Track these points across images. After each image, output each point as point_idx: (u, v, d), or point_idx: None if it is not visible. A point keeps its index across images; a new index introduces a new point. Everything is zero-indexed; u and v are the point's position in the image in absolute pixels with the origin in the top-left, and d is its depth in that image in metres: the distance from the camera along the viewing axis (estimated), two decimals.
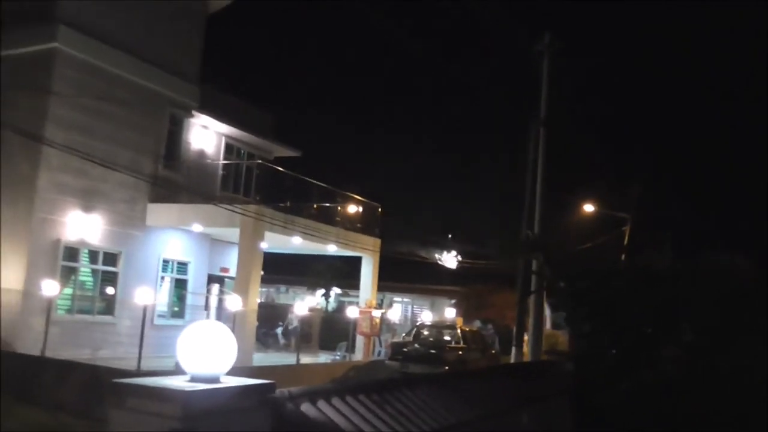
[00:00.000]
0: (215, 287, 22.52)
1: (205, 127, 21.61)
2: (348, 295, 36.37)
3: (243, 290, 18.39)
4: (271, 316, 24.89)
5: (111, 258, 18.71)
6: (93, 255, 18.32)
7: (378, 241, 24.47)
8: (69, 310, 17.65)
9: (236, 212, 18.58)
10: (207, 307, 21.61)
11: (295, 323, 23.88)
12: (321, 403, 3.94)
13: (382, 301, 30.93)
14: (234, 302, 17.47)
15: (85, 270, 18.27)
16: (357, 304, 23.96)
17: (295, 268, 34.50)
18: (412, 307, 41.87)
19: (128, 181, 18.56)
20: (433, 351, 20.95)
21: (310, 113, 61.02)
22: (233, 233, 19.27)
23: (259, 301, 20.75)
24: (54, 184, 17.07)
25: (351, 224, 23.72)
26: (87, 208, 17.83)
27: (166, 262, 20.45)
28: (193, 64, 21.07)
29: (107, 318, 18.44)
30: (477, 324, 31.10)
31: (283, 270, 32.64)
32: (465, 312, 33.16)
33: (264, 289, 32.90)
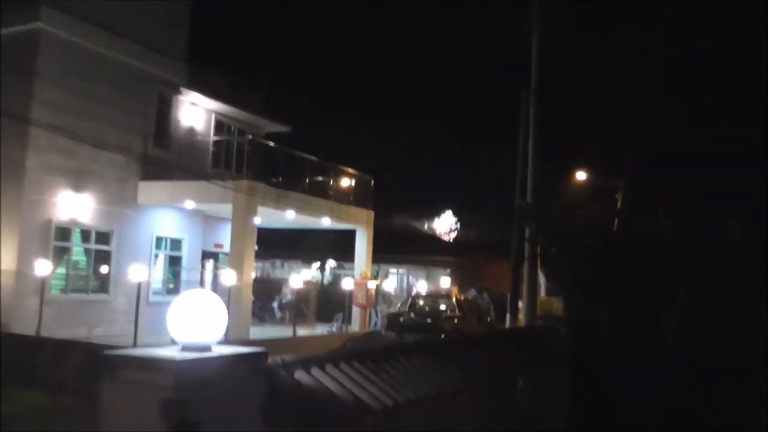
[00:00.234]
0: (210, 263, 22.54)
1: (194, 104, 21.46)
2: (343, 268, 36.47)
3: (238, 265, 18.40)
4: (266, 290, 24.94)
5: (103, 237, 18.67)
6: (85, 234, 18.28)
7: (371, 214, 24.48)
8: (63, 290, 17.65)
9: (228, 188, 18.53)
10: (202, 283, 21.64)
11: (290, 297, 23.95)
12: (315, 371, 3.94)
13: (377, 272, 31.01)
14: (229, 277, 17.49)
15: (77, 249, 18.24)
16: (352, 276, 24.02)
17: (290, 243, 34.51)
18: (408, 278, 42.02)
19: (118, 161, 18.48)
20: (429, 320, 21.07)
21: (300, 87, 60.67)
22: (226, 209, 19.24)
23: (254, 276, 20.79)
24: (43, 164, 16.96)
25: (344, 197, 23.71)
26: (77, 187, 17.74)
27: (159, 239, 20.44)
28: (180, 41, 20.85)
29: (102, 296, 18.46)
30: (472, 293, 31.26)
31: (278, 245, 32.65)
32: (460, 281, 33.34)
33: (259, 264, 32.92)
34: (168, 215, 20.52)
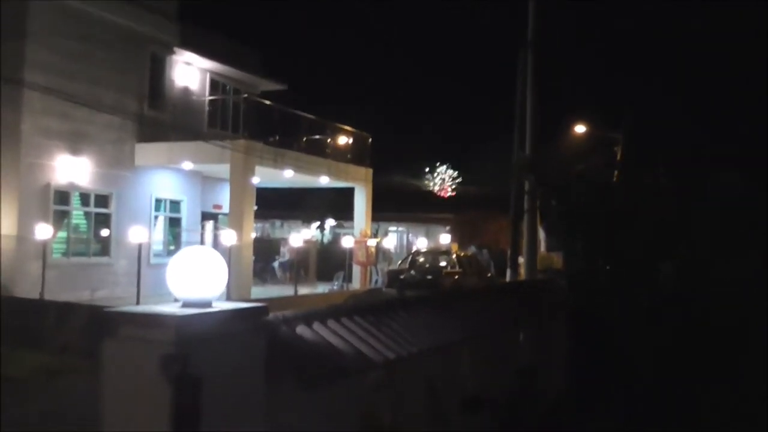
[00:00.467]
0: (209, 224, 22.56)
1: (188, 63, 21.23)
2: (343, 227, 36.51)
3: (237, 225, 18.41)
4: (267, 250, 25.02)
5: (103, 199, 18.64)
6: (84, 197, 18.25)
7: (370, 171, 24.42)
8: (65, 253, 17.68)
9: (226, 147, 18.44)
10: (202, 243, 21.66)
11: (287, 256, 24.02)
12: (317, 325, 3.96)
13: (377, 230, 31.05)
14: (229, 238, 17.51)
15: (77, 213, 18.22)
16: (352, 234, 24.05)
17: (289, 202, 34.48)
18: (407, 236, 42.09)
19: (114, 122, 18.35)
20: (429, 277, 21.15)
21: (295, 44, 59.92)
22: (224, 169, 19.18)
23: (254, 236, 20.82)
24: (39, 128, 16.83)
25: (342, 155, 23.62)
26: (74, 150, 17.64)
27: (158, 201, 20.41)
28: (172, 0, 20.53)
29: (103, 259, 18.51)
30: (472, 249, 31.33)
31: (278, 204, 32.64)
32: (460, 238, 33.39)
33: (259, 225, 32.94)
34: (166, 177, 20.46)
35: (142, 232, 16.43)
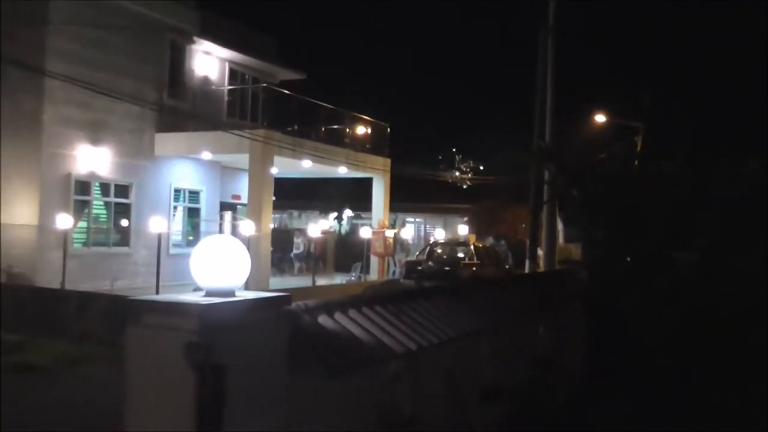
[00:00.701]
0: (228, 214, 22.66)
1: (207, 53, 21.28)
2: (360, 217, 36.53)
3: (256, 216, 18.47)
4: (284, 241, 25.11)
5: (122, 190, 18.77)
6: (104, 187, 18.39)
7: (388, 161, 24.39)
8: (85, 243, 17.84)
9: (245, 137, 18.49)
10: (221, 233, 21.77)
11: (302, 247, 24.07)
12: (338, 315, 3.95)
13: (394, 221, 31.02)
14: (247, 228, 17.57)
15: (97, 203, 18.36)
16: (370, 225, 24.06)
17: (307, 193, 34.56)
18: (425, 227, 42.06)
19: (134, 112, 18.44)
20: (447, 268, 21.13)
21: (314, 34, 59.93)
22: (243, 159, 19.23)
23: (272, 226, 20.89)
24: (60, 117, 16.96)
25: (360, 145, 23.61)
26: (95, 140, 17.77)
27: (177, 191, 20.52)
28: None
29: (123, 249, 18.65)
30: (490, 240, 31.24)
31: (295, 195, 32.72)
32: (478, 229, 33.27)
33: (277, 215, 33.05)
34: (185, 167, 20.56)
35: (161, 222, 16.53)
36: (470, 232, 31.42)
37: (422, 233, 41.59)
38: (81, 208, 17.73)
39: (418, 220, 42.44)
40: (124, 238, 18.84)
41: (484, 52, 63.76)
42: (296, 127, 21.03)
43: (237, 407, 2.86)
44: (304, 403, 3.38)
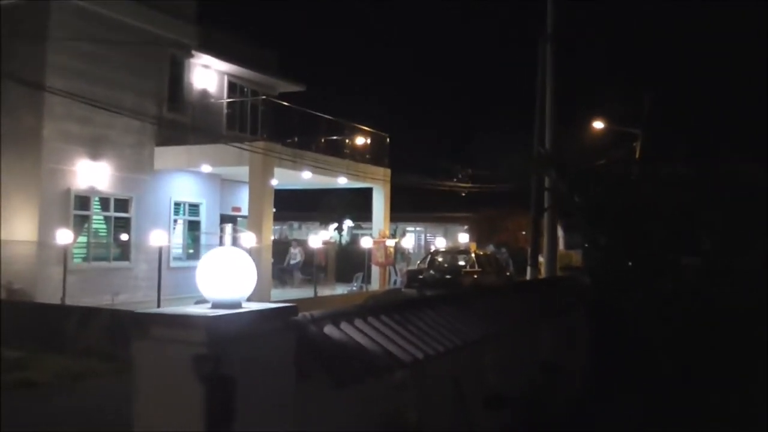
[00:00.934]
0: (228, 227, 22.65)
1: (206, 66, 21.35)
2: (361, 228, 36.53)
3: (256, 228, 18.47)
4: (284, 252, 25.09)
5: (122, 204, 18.77)
6: (104, 202, 18.39)
7: (388, 171, 24.41)
8: (85, 258, 17.82)
9: (245, 149, 18.51)
10: (221, 246, 21.73)
11: (299, 258, 24.02)
12: (344, 325, 3.95)
13: (395, 231, 31.02)
14: (248, 240, 17.56)
15: (97, 217, 18.36)
16: (370, 235, 24.06)
17: (307, 204, 34.58)
18: (425, 236, 42.06)
19: (134, 126, 18.47)
20: (448, 276, 21.12)
21: (314, 45, 60.09)
22: (243, 172, 19.25)
23: (273, 238, 20.88)
24: (59, 133, 16.98)
25: (360, 155, 23.64)
26: (94, 155, 17.79)
27: (177, 204, 20.53)
28: (190, 2, 20.63)
29: (123, 263, 18.63)
30: (491, 248, 31.22)
31: (295, 206, 32.73)
32: (478, 237, 33.28)
33: (277, 227, 33.05)
34: (185, 180, 20.58)
35: (161, 236, 16.52)
36: (471, 240, 31.41)
37: (423, 242, 41.58)
38: (81, 223, 17.73)
39: (418, 229, 42.45)
40: (124, 252, 18.83)
41: (484, 57, 63.95)
42: (296, 138, 21.07)
43: (245, 418, 2.85)
44: (312, 412, 3.37)
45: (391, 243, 23.85)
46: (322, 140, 22.17)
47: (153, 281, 16.21)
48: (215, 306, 3.04)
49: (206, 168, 20.01)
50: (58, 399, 9.09)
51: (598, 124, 26.27)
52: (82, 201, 17.76)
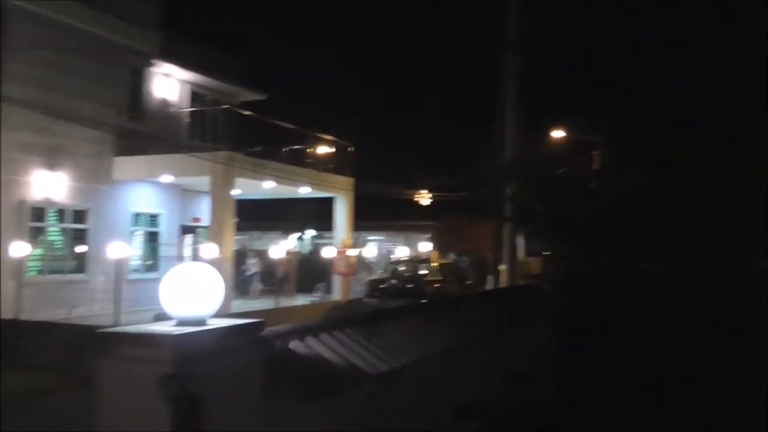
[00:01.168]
0: (189, 238, 22.36)
1: (167, 75, 21.09)
2: (323, 237, 36.38)
3: (218, 238, 18.26)
4: (245, 263, 24.83)
5: (80, 215, 18.41)
6: (61, 213, 18.01)
7: (351, 180, 24.37)
8: (40, 271, 17.41)
9: (206, 159, 18.31)
10: (181, 258, 21.47)
11: (254, 269, 23.81)
12: (310, 340, 3.92)
13: (356, 240, 30.96)
14: (209, 251, 17.35)
15: (53, 229, 17.97)
16: (332, 244, 23.98)
17: (270, 214, 34.29)
18: (387, 245, 42.06)
19: (92, 136, 18.13)
20: (410, 285, 21.13)
21: (275, 55, 59.85)
22: (204, 182, 19.03)
23: (235, 248, 20.68)
24: (15, 143, 16.57)
25: (323, 165, 23.57)
26: (51, 165, 17.42)
27: (137, 215, 20.21)
28: (150, 10, 20.38)
29: (80, 276, 18.26)
30: (452, 257, 31.36)
31: (257, 216, 32.44)
32: (440, 245, 33.40)
33: (238, 237, 32.74)
34: (145, 190, 20.28)
35: (120, 248, 16.21)
36: (433, 249, 31.51)
37: (384, 251, 41.57)
38: (36, 235, 17.32)
39: (380, 238, 42.44)
40: (81, 264, 18.45)
41: (447, 66, 64.35)
42: (258, 148, 20.92)
43: None
44: (282, 428, 3.33)
45: (353, 253, 23.79)
46: (285, 150, 22.05)
47: (111, 294, 15.91)
48: (180, 323, 2.98)
49: (166, 178, 19.75)
50: (13, 416, 8.85)
51: (559, 133, 26.60)
52: (38, 212, 17.36)
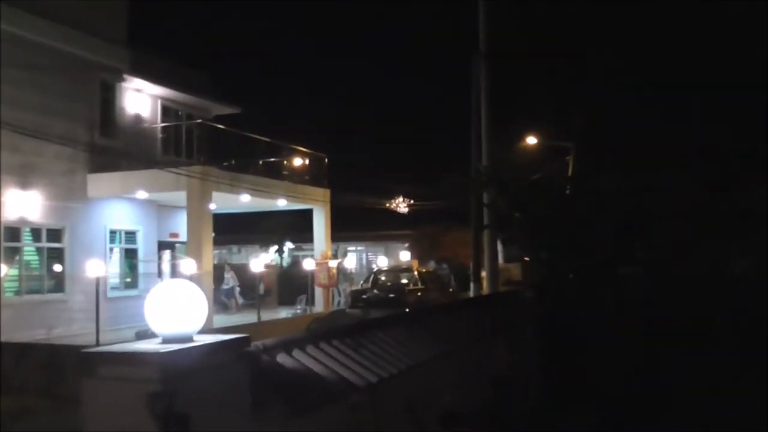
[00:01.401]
0: (167, 253, 22.18)
1: (139, 90, 20.94)
2: (302, 249, 36.30)
3: (196, 253, 18.15)
4: (223, 277, 24.65)
5: (55, 234, 18.19)
6: (36, 233, 17.79)
7: (327, 192, 24.35)
8: (17, 292, 17.17)
9: (181, 174, 18.19)
10: (160, 274, 21.28)
11: (231, 283, 23.66)
12: (296, 353, 3.90)
13: (336, 251, 30.93)
14: (188, 266, 17.22)
15: (29, 249, 17.74)
16: (312, 256, 23.91)
17: (247, 228, 34.18)
18: (367, 255, 42.08)
19: (65, 153, 17.94)
20: (392, 295, 21.14)
21: (249, 68, 59.72)
22: (180, 197, 18.91)
23: (213, 263, 20.55)
24: None
25: (299, 177, 23.54)
26: (24, 184, 17.20)
27: (113, 232, 20.01)
28: (120, 26, 20.25)
29: (58, 295, 18.02)
30: (432, 265, 31.43)
31: (235, 230, 32.32)
32: (419, 254, 33.47)
33: (216, 251, 32.57)
34: (120, 207, 20.09)
35: (97, 266, 16.02)
36: (412, 257, 31.56)
37: (365, 261, 41.56)
38: (12, 255, 17.09)
39: (359, 248, 42.42)
40: (58, 283, 18.21)
41: (423, 74, 64.62)
42: (234, 161, 20.84)
43: None
44: None
45: (333, 264, 23.75)
46: (261, 162, 21.99)
47: (90, 313, 15.71)
48: (166, 341, 2.96)
49: (142, 194, 19.59)
50: None
51: (533, 140, 26.84)
52: (12, 232, 17.12)
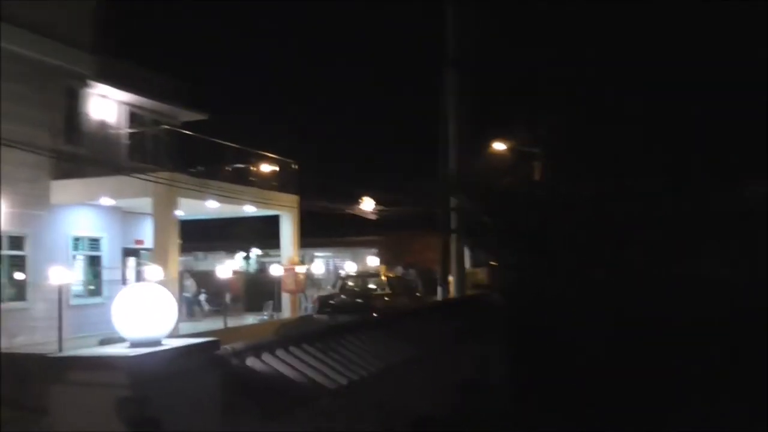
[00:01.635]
0: (131, 260, 21.90)
1: (104, 96, 20.67)
2: (269, 255, 36.07)
3: (162, 260, 17.93)
4: (191, 284, 24.40)
5: (16, 241, 17.84)
6: None
7: (295, 198, 24.26)
8: None
9: (147, 180, 17.98)
10: (124, 281, 21.00)
11: (192, 291, 23.43)
12: (266, 356, 3.89)
13: (303, 257, 30.83)
14: (153, 273, 17.02)
15: None
16: (279, 262, 23.80)
17: (215, 234, 33.87)
18: (334, 261, 41.96)
19: (28, 159, 17.57)
20: (359, 300, 21.13)
21: (216, 75, 59.29)
22: (146, 203, 18.69)
23: (179, 270, 20.33)
24: None
25: (267, 183, 23.43)
26: None
27: (76, 239, 19.70)
28: (86, 32, 19.97)
29: (19, 304, 17.66)
30: (399, 270, 31.47)
31: (202, 237, 32.00)
32: (387, 259, 33.51)
33: (182, 258, 32.22)
34: (84, 214, 19.78)
35: (60, 273, 15.76)
36: (380, 263, 31.59)
37: (332, 267, 41.44)
38: None
39: (327, 254, 42.31)
40: (19, 292, 17.86)
41: (389, 80, 64.68)
42: (201, 167, 20.68)
43: None
44: None
45: (301, 270, 23.66)
46: (228, 168, 21.85)
47: (52, 321, 15.43)
48: (134, 345, 2.93)
49: (107, 201, 19.33)
50: None
51: (501, 145, 27.02)
52: None
